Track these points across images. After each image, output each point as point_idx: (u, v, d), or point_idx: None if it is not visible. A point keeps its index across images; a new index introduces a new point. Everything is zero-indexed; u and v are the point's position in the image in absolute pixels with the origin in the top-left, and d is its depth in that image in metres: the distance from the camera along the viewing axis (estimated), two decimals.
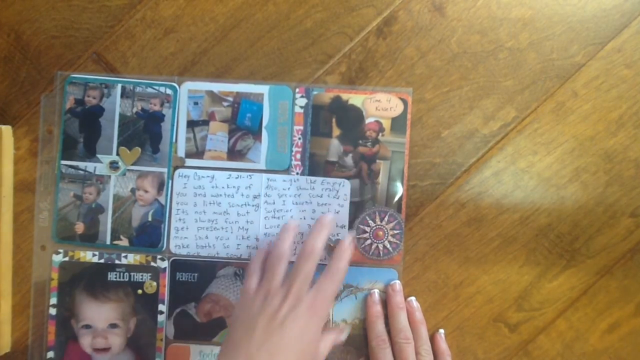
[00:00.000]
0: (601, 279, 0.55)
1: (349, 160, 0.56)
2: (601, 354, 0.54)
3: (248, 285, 0.50)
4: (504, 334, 0.56)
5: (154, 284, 0.56)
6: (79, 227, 0.56)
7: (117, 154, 0.56)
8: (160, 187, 0.56)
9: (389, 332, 0.54)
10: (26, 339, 0.56)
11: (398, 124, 0.56)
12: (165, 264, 0.56)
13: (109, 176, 0.56)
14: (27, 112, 0.55)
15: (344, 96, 0.56)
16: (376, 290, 0.55)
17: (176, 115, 0.56)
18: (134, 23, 0.55)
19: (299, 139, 0.56)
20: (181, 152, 0.56)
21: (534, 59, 0.55)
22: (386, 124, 0.56)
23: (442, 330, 0.55)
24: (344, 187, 0.56)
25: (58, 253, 0.56)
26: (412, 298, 0.55)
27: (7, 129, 0.54)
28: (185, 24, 0.55)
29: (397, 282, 0.55)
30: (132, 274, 0.56)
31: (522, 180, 0.55)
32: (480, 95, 0.55)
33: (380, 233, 0.56)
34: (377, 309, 0.54)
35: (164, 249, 0.56)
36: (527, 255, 0.55)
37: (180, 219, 0.56)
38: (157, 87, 0.56)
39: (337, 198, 0.56)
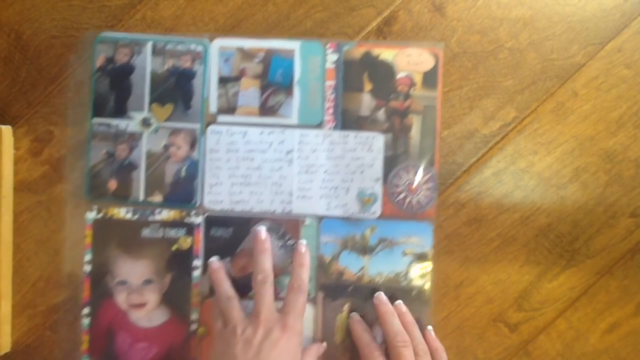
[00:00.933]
0: (601, 279, 0.55)
1: (381, 114, 0.56)
2: (601, 354, 0.55)
3: (217, 328, 0.51)
4: (504, 334, 0.56)
5: (189, 239, 0.56)
6: (112, 184, 0.56)
7: (149, 111, 0.56)
8: (193, 143, 0.56)
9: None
10: (26, 339, 0.55)
11: (429, 78, 0.56)
12: (199, 220, 0.56)
13: (141, 133, 0.56)
14: (27, 112, 0.55)
15: (375, 51, 0.56)
16: (355, 313, 0.56)
17: (207, 72, 0.56)
18: (134, 23, 0.55)
19: (331, 94, 0.56)
20: (213, 109, 0.56)
21: (534, 59, 0.55)
22: (417, 78, 0.56)
23: (430, 327, 0.55)
24: (378, 141, 0.56)
25: (91, 210, 0.56)
26: (399, 301, 0.55)
27: (7, 129, 0.54)
28: (185, 24, 0.55)
29: (381, 293, 0.55)
30: (166, 230, 0.56)
31: (522, 180, 0.55)
32: (480, 95, 0.55)
33: (414, 187, 0.56)
34: (361, 326, 0.54)
35: (197, 204, 0.56)
36: (527, 255, 0.55)
37: (213, 175, 0.56)
38: (188, 45, 0.56)
39: (371, 152, 0.56)
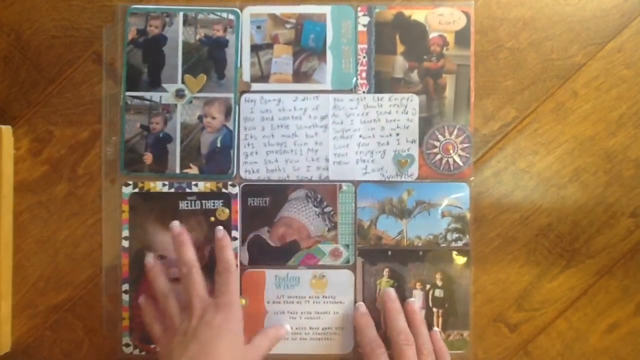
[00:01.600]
0: (601, 279, 0.55)
1: (414, 76, 0.56)
2: (601, 354, 0.55)
3: (155, 334, 0.52)
4: (504, 334, 0.56)
5: (226, 210, 0.56)
6: (148, 158, 0.56)
7: (183, 82, 0.55)
8: (228, 112, 0.56)
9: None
10: (26, 339, 0.55)
11: (462, 37, 0.56)
12: (236, 190, 0.56)
13: (175, 105, 0.56)
14: (27, 112, 0.54)
15: (407, 12, 0.56)
16: (361, 303, 0.55)
17: (240, 40, 0.56)
18: None
19: (364, 57, 0.56)
20: (246, 77, 0.56)
21: (534, 59, 0.55)
22: (450, 38, 0.56)
23: (436, 329, 0.55)
24: (413, 102, 0.56)
25: (127, 185, 0.56)
26: (412, 299, 0.55)
27: (7, 129, 0.54)
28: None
29: (392, 289, 0.55)
30: (203, 201, 0.56)
31: (522, 180, 0.55)
32: (480, 95, 0.55)
33: (450, 147, 0.56)
34: (365, 319, 0.54)
35: (234, 175, 0.56)
36: (527, 255, 0.55)
37: (248, 144, 0.56)
38: (219, 13, 0.55)
39: (406, 113, 0.56)
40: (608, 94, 0.54)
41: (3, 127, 0.53)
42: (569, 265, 0.55)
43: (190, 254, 0.52)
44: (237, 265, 0.56)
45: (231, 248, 0.54)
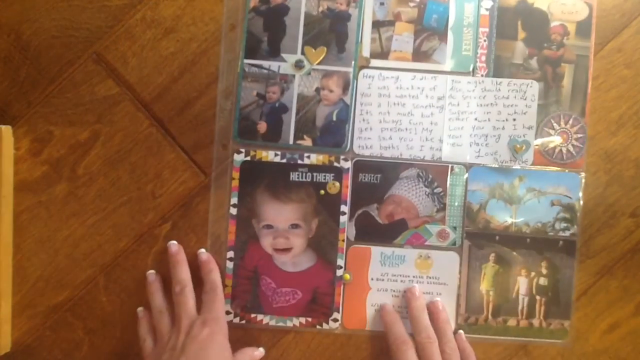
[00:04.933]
0: (601, 279, 0.55)
1: (533, 63, 0.56)
2: (601, 354, 0.55)
3: (146, 349, 0.52)
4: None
5: (337, 184, 0.56)
6: (262, 127, 0.56)
7: (302, 53, 0.55)
8: (346, 86, 0.56)
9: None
10: (26, 339, 0.55)
11: (583, 27, 0.56)
12: (348, 165, 0.56)
13: (293, 75, 0.55)
14: (27, 112, 0.54)
15: None
16: (387, 303, 0.56)
17: (362, 15, 0.56)
18: (134, 23, 0.54)
19: (484, 41, 0.56)
20: (366, 52, 0.56)
21: None
22: (571, 28, 0.56)
23: (461, 331, 0.55)
24: (532, 88, 0.56)
25: (239, 152, 0.56)
26: (437, 299, 0.55)
27: (7, 129, 0.54)
28: (185, 24, 0.55)
29: (416, 286, 0.55)
30: (314, 174, 0.56)
31: None
32: None
33: (564, 136, 0.56)
34: (392, 317, 0.55)
35: (347, 149, 0.56)
36: None
37: (364, 120, 0.56)
38: None
39: (525, 99, 0.56)
40: (608, 94, 0.55)
41: (3, 127, 0.53)
42: None
43: (184, 273, 0.53)
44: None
45: (217, 269, 0.55)
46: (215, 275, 0.53)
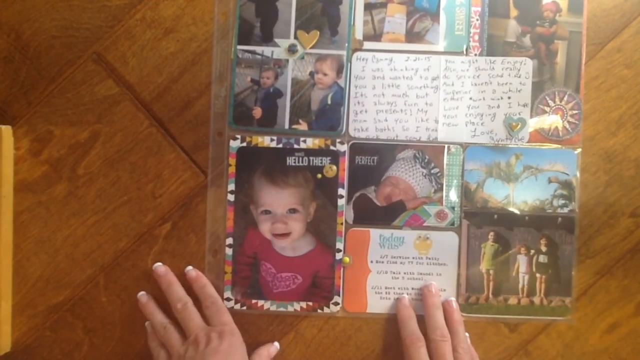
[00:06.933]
0: (601, 279, 0.55)
1: (527, 40, 0.56)
2: (601, 354, 0.55)
3: None
4: (504, 334, 0.56)
5: (334, 167, 0.56)
6: (257, 112, 0.56)
7: (295, 38, 0.55)
8: (339, 70, 0.56)
9: (424, 333, 0.54)
10: (26, 339, 0.55)
11: (575, 3, 0.56)
12: (344, 148, 0.56)
13: (287, 60, 0.55)
14: (27, 112, 0.54)
15: None
16: (405, 295, 0.56)
17: None
18: (134, 23, 0.54)
19: (477, 20, 0.56)
20: (359, 35, 0.56)
21: None
22: (563, 4, 0.56)
23: (467, 334, 0.55)
24: (526, 66, 0.56)
25: (235, 139, 0.56)
26: (452, 299, 0.55)
27: (7, 129, 0.54)
28: (185, 24, 0.55)
29: (433, 283, 0.55)
30: (311, 158, 0.56)
31: None
32: None
33: (560, 113, 0.56)
34: (408, 312, 0.54)
35: (343, 132, 0.56)
36: None
37: (359, 102, 0.56)
38: None
39: (519, 77, 0.56)
40: (608, 94, 0.55)
41: (3, 127, 0.53)
42: None
43: (181, 291, 0.54)
44: (339, 223, 0.56)
45: (209, 284, 0.56)
46: (210, 289, 0.54)
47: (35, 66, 0.54)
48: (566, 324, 0.56)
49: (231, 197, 0.56)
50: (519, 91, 0.56)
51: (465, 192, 0.56)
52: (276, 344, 0.55)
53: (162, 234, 0.56)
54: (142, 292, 0.54)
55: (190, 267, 0.55)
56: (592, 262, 0.55)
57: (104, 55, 0.55)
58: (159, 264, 0.55)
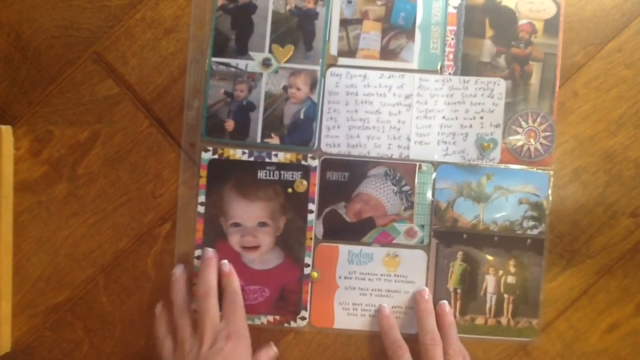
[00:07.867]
0: (601, 279, 0.55)
1: (501, 61, 0.56)
2: (601, 354, 0.55)
3: (165, 352, 0.51)
4: None
5: (305, 182, 0.56)
6: (229, 125, 0.56)
7: (270, 52, 0.55)
8: (313, 85, 0.56)
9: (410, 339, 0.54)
10: (26, 339, 0.55)
11: (551, 25, 0.56)
12: (315, 163, 0.56)
13: (261, 73, 0.55)
14: (27, 112, 0.54)
15: None
16: (385, 305, 0.56)
17: (329, 14, 0.56)
18: (134, 23, 0.54)
19: (452, 39, 0.56)
20: (334, 51, 0.56)
21: None
22: (539, 26, 0.56)
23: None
24: (499, 86, 0.56)
25: (207, 151, 0.56)
26: (444, 302, 0.55)
27: (7, 129, 0.53)
28: (185, 24, 0.55)
29: (426, 289, 0.55)
30: (282, 172, 0.56)
31: None
32: None
33: (532, 134, 0.56)
34: (388, 321, 0.54)
35: (315, 147, 0.56)
36: None
37: (331, 118, 0.56)
38: None
39: (492, 97, 0.56)
40: (608, 94, 0.55)
41: (3, 127, 0.53)
42: (569, 265, 0.56)
43: (213, 277, 0.53)
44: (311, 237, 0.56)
45: (237, 277, 0.55)
46: (237, 285, 0.54)
47: (35, 66, 0.54)
48: (566, 324, 0.56)
49: (201, 209, 0.56)
50: (491, 112, 0.56)
51: (436, 211, 0.56)
52: (274, 347, 0.55)
53: (162, 234, 0.56)
54: (179, 266, 0.54)
55: (225, 261, 0.55)
56: (592, 262, 0.55)
57: (104, 55, 0.55)
58: (210, 249, 0.55)
